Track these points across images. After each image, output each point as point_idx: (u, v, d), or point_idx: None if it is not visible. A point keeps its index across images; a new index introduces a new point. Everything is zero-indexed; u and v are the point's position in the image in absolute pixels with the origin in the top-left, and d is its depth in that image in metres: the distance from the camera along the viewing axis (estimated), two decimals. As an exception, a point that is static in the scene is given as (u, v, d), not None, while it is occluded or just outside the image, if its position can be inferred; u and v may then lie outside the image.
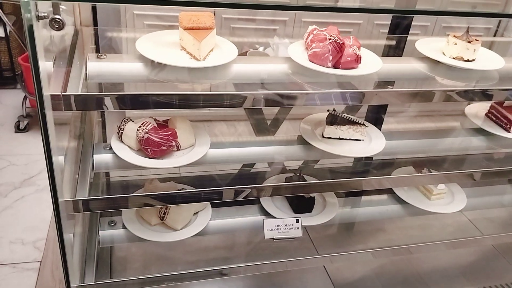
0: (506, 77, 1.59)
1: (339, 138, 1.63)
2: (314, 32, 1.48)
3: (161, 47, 1.35)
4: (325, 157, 1.60)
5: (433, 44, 1.67)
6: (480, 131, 1.86)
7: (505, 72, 1.60)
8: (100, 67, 1.28)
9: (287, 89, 1.30)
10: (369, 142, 1.64)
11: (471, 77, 1.56)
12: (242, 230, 1.76)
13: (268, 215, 1.75)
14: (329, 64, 1.38)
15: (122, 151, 1.44)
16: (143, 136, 1.41)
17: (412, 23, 1.85)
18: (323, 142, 1.59)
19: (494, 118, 1.88)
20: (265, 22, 3.69)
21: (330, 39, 1.39)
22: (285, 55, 1.47)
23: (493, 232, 1.92)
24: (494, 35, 3.23)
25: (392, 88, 1.37)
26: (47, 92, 1.07)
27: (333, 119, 1.61)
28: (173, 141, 1.45)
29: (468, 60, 1.58)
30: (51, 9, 1.12)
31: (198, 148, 1.48)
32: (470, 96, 1.45)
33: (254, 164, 1.70)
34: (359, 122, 1.61)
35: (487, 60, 1.61)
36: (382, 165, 1.70)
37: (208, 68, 1.31)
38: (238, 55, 1.41)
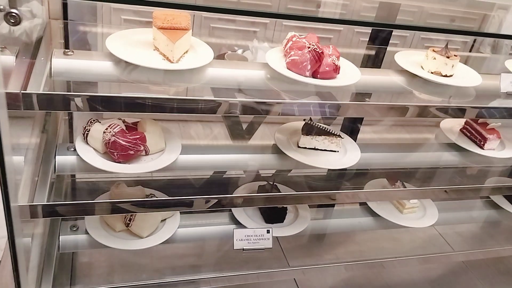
0: (482, 94, 1.59)
1: (314, 149, 1.60)
2: (294, 39, 1.45)
3: (133, 46, 1.29)
4: (299, 167, 1.56)
5: (412, 58, 1.66)
6: (454, 147, 1.86)
7: (482, 89, 1.60)
8: (66, 64, 1.21)
9: (263, 97, 1.25)
10: (344, 154, 1.61)
11: (448, 93, 1.56)
12: (211, 238, 1.71)
13: (238, 224, 1.70)
14: (307, 73, 1.35)
15: (86, 153, 1.36)
16: (109, 139, 1.34)
17: (393, 33, 1.84)
18: (298, 152, 1.56)
19: (468, 134, 1.89)
20: (246, 23, 3.65)
21: (309, 47, 1.36)
22: (263, 59, 1.43)
23: (463, 247, 1.93)
24: (471, 49, 3.29)
25: (368, 101, 1.34)
26: (2, 88, 0.99)
27: (309, 129, 1.58)
28: (141, 146, 1.38)
29: (446, 76, 1.58)
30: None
31: (168, 154, 1.42)
32: (445, 112, 1.44)
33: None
34: (335, 133, 1.58)
35: (464, 76, 1.61)
36: (356, 177, 1.68)
37: (181, 70, 1.26)
38: (216, 57, 1.36)
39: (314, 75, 1.37)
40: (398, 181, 1.90)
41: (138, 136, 1.37)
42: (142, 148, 1.39)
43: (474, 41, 3.07)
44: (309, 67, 1.34)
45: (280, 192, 1.67)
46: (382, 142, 1.95)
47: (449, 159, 1.82)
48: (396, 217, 1.87)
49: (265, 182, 1.68)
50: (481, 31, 3.32)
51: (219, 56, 1.59)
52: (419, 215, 1.90)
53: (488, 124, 1.82)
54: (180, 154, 1.44)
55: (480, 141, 1.82)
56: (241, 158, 1.62)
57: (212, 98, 1.19)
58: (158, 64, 1.23)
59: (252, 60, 1.60)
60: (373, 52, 1.85)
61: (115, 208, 1.31)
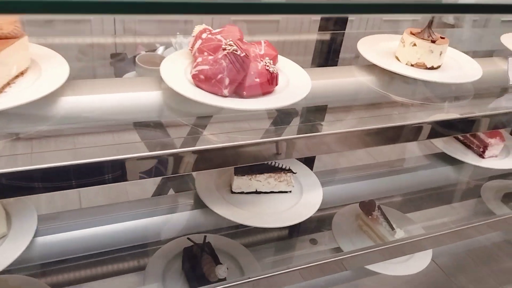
0: (485, 90, 1.12)
1: (256, 192, 1.09)
2: (204, 35, 0.93)
3: None
4: (231, 226, 1.06)
5: (382, 45, 1.18)
6: (443, 158, 1.40)
7: (480, 82, 1.14)
8: None
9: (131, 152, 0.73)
10: (300, 194, 1.11)
11: (437, 94, 1.09)
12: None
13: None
14: (225, 92, 0.83)
15: None
16: None
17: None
18: (230, 203, 1.04)
19: (461, 138, 1.43)
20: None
21: (225, 49, 0.84)
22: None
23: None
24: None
25: (320, 131, 0.84)
26: None
27: (244, 167, 1.07)
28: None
29: (432, 68, 1.10)
30: None
31: (10, 243, 0.88)
32: (440, 130, 0.96)
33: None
34: (284, 167, 1.08)
35: (456, 66, 1.14)
36: (321, 225, 1.19)
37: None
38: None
39: (238, 91, 0.86)
40: (376, 208, 1.44)
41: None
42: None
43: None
44: (227, 81, 0.83)
45: (214, 252, 1.18)
46: (350, 164, 1.47)
47: (438, 177, 1.36)
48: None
49: (192, 244, 1.18)
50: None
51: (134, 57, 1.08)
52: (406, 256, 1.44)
53: (489, 126, 1.36)
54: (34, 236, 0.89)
55: (479, 148, 1.37)
56: (149, 224, 1.10)
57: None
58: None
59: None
60: (327, 38, 1.34)
61: None
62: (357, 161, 1.88)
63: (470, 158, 1.36)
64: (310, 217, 1.33)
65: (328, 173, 1.28)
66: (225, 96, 0.83)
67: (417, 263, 1.36)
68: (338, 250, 1.36)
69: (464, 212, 1.41)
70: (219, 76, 0.82)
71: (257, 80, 0.85)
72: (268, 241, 1.33)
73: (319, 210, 1.38)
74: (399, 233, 1.38)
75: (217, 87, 0.82)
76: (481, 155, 1.35)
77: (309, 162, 1.54)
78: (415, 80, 1.08)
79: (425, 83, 1.09)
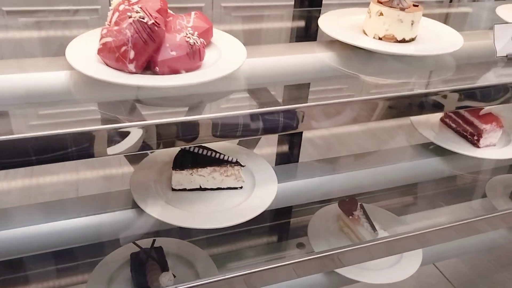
0: (467, 64, 0.96)
1: (200, 189, 0.95)
2: (122, 7, 0.80)
3: None
4: (172, 228, 0.92)
5: (346, 18, 1.02)
6: (433, 150, 1.22)
7: (465, 55, 0.97)
8: None
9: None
10: (251, 190, 0.96)
11: (412, 69, 0.93)
12: None
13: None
14: (131, 67, 0.70)
15: None
16: None
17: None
18: (170, 204, 0.91)
19: (454, 126, 1.25)
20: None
21: (131, 16, 0.71)
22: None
23: None
24: None
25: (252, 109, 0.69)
26: None
27: (185, 159, 0.93)
28: None
29: (403, 41, 0.94)
30: None
31: None
32: (413, 108, 0.81)
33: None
34: (230, 160, 0.94)
35: (434, 39, 0.98)
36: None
37: None
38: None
39: (151, 67, 0.73)
40: (358, 207, 1.28)
41: None
42: None
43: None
44: (131, 54, 0.70)
45: (164, 258, 1.05)
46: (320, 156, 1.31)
47: (427, 171, 1.18)
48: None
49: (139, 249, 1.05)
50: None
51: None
52: (392, 261, 1.26)
53: (483, 108, 1.18)
54: None
55: (473, 136, 1.19)
56: (94, 225, 0.98)
57: None
58: None
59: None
60: (280, 13, 1.20)
61: None
62: (349, 151, 1.72)
63: (463, 147, 1.18)
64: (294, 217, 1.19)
65: (289, 168, 1.13)
66: (132, 73, 0.70)
67: (403, 269, 1.19)
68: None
69: (463, 210, 1.24)
70: (123, 48, 0.69)
71: (173, 53, 0.72)
72: (242, 243, 1.19)
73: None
74: (382, 235, 1.21)
75: (121, 62, 0.70)
76: (476, 144, 1.17)
77: (293, 155, 1.40)
78: (383, 56, 0.93)
79: (397, 59, 0.93)
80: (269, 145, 1.50)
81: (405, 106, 0.79)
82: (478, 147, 1.17)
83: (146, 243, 1.07)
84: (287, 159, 1.44)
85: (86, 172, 1.86)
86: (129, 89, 0.71)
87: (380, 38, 0.95)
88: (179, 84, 0.68)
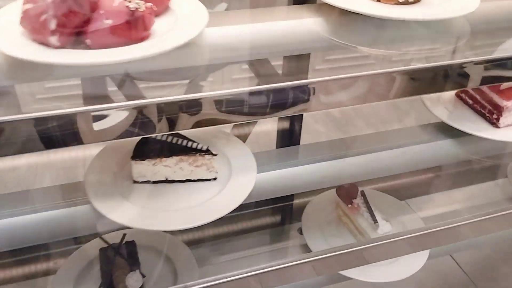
0: (485, 29, 0.79)
1: (167, 181, 0.83)
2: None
3: None
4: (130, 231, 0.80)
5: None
6: (445, 130, 1.06)
7: (482, 18, 0.80)
8: None
9: None
10: (226, 182, 0.83)
11: (419, 38, 0.77)
12: None
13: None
14: (53, 40, 0.57)
15: None
16: None
17: None
18: (129, 201, 0.78)
19: (471, 102, 1.08)
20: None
21: (55, -23, 0.57)
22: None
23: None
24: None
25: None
26: None
27: (146, 148, 0.80)
28: None
29: (406, 3, 0.78)
30: None
31: None
32: (425, 85, 0.65)
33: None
34: (198, 147, 0.80)
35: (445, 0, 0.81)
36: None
37: None
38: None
39: (82, 39, 0.59)
40: (358, 194, 1.14)
41: None
42: None
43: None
44: (53, 24, 0.56)
45: (135, 255, 0.94)
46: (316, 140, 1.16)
47: (438, 154, 1.03)
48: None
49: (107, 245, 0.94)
50: None
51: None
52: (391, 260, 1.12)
53: (502, 84, 1.00)
54: None
55: (492, 114, 1.02)
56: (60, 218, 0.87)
57: None
58: None
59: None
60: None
61: None
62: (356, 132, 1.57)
63: (480, 128, 1.02)
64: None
65: (272, 153, 0.99)
66: (56, 47, 0.57)
67: (407, 265, 1.06)
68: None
69: (478, 198, 1.09)
70: (43, 17, 0.56)
71: (109, 22, 0.58)
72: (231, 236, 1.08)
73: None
74: (384, 227, 1.07)
75: (41, 33, 0.56)
76: (495, 123, 1.00)
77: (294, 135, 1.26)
78: (382, 21, 0.77)
79: (398, 24, 0.77)
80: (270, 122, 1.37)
81: (418, 82, 0.63)
82: (498, 127, 1.01)
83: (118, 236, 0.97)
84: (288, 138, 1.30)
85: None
86: (65, 68, 0.58)
87: (378, 0, 0.79)
88: (111, 61, 0.54)
